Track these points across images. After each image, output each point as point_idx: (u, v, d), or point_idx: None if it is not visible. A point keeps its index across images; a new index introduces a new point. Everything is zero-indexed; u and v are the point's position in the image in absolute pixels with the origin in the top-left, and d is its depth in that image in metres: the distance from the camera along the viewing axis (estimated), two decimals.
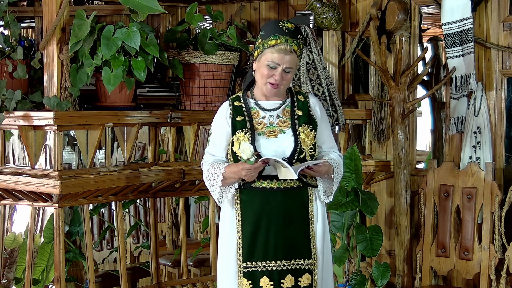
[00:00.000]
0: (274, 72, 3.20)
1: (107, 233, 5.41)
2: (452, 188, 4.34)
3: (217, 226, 3.63)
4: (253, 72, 3.33)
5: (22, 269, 4.71)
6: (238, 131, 3.25)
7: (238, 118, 3.28)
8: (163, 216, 5.93)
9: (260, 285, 3.23)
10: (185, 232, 4.75)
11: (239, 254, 3.25)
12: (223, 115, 3.32)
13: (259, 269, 3.23)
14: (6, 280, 5.12)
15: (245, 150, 3.15)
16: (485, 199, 4.22)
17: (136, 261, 5.53)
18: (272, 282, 3.23)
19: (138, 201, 5.29)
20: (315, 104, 3.38)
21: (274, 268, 3.24)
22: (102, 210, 5.33)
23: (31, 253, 4.19)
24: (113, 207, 4.85)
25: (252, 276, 3.24)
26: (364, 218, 4.81)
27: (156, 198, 4.61)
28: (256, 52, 3.29)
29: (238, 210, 3.27)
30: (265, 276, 3.23)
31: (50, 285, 4.79)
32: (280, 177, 3.20)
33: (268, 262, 3.23)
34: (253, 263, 3.23)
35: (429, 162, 4.51)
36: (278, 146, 3.23)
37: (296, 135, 3.25)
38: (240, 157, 3.16)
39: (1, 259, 4.33)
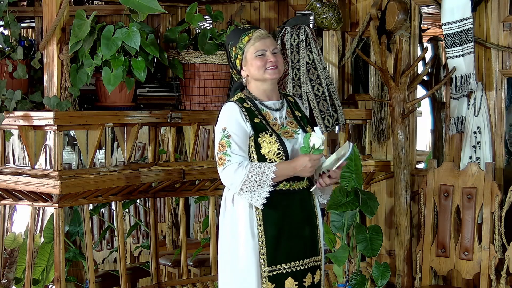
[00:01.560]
0: (266, 57, 3.24)
1: (107, 233, 5.41)
2: (452, 188, 4.34)
3: (217, 227, 3.60)
4: (244, 80, 3.32)
5: (22, 269, 4.71)
6: (261, 133, 3.20)
7: (256, 120, 3.23)
8: (163, 216, 5.92)
9: (286, 286, 3.23)
10: (185, 232, 4.75)
11: (263, 258, 3.21)
12: (238, 116, 3.21)
13: (284, 271, 3.23)
14: (6, 280, 5.13)
15: (319, 136, 3.15)
16: (485, 199, 4.22)
17: (136, 261, 5.53)
18: (296, 282, 3.25)
19: (138, 201, 5.29)
20: (302, 106, 3.45)
21: (298, 268, 3.26)
22: (102, 210, 5.34)
23: (31, 253, 4.19)
24: (113, 207, 4.85)
25: (277, 279, 3.23)
26: (364, 218, 4.81)
27: (156, 198, 4.61)
28: (237, 60, 3.30)
29: (259, 214, 3.21)
30: (290, 277, 3.24)
31: (50, 285, 4.79)
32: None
33: (292, 263, 3.25)
34: (277, 265, 3.23)
35: (429, 162, 4.51)
36: (299, 146, 3.24)
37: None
38: (312, 146, 3.15)
39: (1, 259, 4.33)
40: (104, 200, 4.33)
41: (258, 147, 3.20)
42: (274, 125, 3.26)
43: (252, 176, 3.14)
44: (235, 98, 3.30)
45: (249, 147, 3.22)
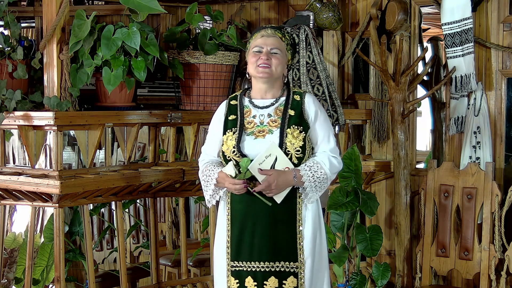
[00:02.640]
0: (260, 55, 3.25)
1: (107, 233, 5.41)
2: (452, 188, 4.34)
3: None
4: (247, 75, 3.37)
5: (22, 269, 4.71)
6: (228, 131, 3.28)
7: (231, 117, 3.31)
8: (163, 216, 5.92)
9: (245, 285, 3.25)
10: (185, 232, 4.75)
11: (228, 252, 3.29)
12: (218, 114, 3.39)
13: (245, 269, 3.26)
14: (6, 280, 5.12)
15: (230, 168, 3.19)
16: (485, 199, 4.22)
17: (136, 261, 5.53)
18: (256, 283, 3.25)
19: (138, 201, 5.29)
20: (310, 104, 3.30)
21: (257, 269, 3.24)
22: (102, 210, 5.33)
23: (31, 253, 4.19)
24: (113, 207, 4.84)
25: (239, 275, 3.27)
26: (364, 218, 4.81)
27: (156, 198, 4.61)
28: (246, 55, 3.39)
29: (228, 209, 3.30)
30: (249, 276, 3.25)
31: (50, 285, 4.79)
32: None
33: (252, 262, 3.25)
34: (240, 262, 3.26)
35: (429, 162, 4.51)
36: (262, 147, 3.21)
37: (282, 137, 3.21)
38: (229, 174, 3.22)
39: (1, 259, 4.33)
40: (104, 200, 4.33)
41: (222, 144, 3.31)
42: (249, 123, 3.28)
43: (203, 176, 3.35)
44: (233, 94, 3.43)
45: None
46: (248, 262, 3.24)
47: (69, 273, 5.02)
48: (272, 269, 3.24)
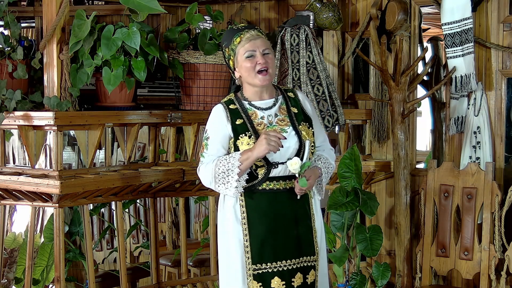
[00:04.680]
0: (256, 59, 3.21)
1: (107, 233, 5.41)
2: (452, 188, 4.34)
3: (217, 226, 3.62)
4: (237, 80, 3.34)
5: (22, 269, 4.71)
6: (241, 135, 3.21)
7: (238, 122, 3.24)
8: (163, 216, 5.92)
9: (272, 286, 3.23)
10: (185, 232, 4.75)
11: (247, 257, 3.23)
12: (220, 118, 3.26)
13: (270, 270, 3.23)
14: (6, 280, 5.13)
15: (294, 164, 3.13)
16: (485, 199, 4.22)
17: (136, 261, 5.53)
18: (284, 282, 3.24)
19: (138, 201, 5.29)
20: (304, 100, 3.39)
21: (285, 268, 3.24)
22: (102, 210, 5.34)
23: (31, 253, 4.19)
24: (113, 207, 4.85)
25: (262, 278, 3.23)
26: (364, 218, 4.81)
27: (156, 198, 4.61)
28: (230, 61, 3.30)
29: (244, 213, 3.24)
30: (276, 277, 3.23)
31: (50, 285, 4.79)
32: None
33: (278, 262, 3.23)
34: (263, 265, 3.23)
35: (429, 162, 4.51)
36: (284, 147, 3.20)
37: (299, 134, 3.25)
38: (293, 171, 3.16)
39: (1, 259, 4.33)
40: (104, 200, 4.33)
41: (236, 149, 3.22)
42: (259, 124, 3.25)
43: (219, 169, 3.18)
44: (225, 99, 3.33)
45: (229, 148, 3.26)
46: (274, 263, 3.23)
47: (69, 273, 5.02)
48: (298, 265, 3.26)
